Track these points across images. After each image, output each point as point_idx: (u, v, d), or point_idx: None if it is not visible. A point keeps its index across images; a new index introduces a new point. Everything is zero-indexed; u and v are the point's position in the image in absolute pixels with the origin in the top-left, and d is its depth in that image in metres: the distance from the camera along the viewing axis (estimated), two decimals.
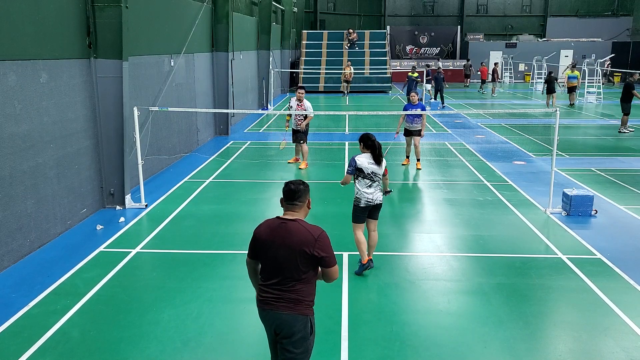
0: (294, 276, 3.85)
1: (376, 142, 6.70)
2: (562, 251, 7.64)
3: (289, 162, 13.13)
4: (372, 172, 6.63)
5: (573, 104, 25.20)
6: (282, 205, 4.07)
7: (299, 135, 12.55)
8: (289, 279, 3.86)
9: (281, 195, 4.05)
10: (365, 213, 6.79)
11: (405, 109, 12.47)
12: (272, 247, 3.89)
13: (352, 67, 30.21)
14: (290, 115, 12.76)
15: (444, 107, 24.23)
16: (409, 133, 12.69)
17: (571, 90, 25.28)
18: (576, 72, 25.61)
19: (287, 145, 13.27)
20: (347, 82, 30.21)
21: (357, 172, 6.68)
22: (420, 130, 12.54)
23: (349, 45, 34.86)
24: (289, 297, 3.86)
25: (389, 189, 7.28)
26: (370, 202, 6.66)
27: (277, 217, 3.99)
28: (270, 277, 3.92)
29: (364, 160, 6.64)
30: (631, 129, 18.00)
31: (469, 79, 36.58)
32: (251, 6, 23.29)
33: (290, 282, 3.86)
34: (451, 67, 39.40)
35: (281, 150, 13.60)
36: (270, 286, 3.91)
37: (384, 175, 6.81)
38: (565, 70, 26.48)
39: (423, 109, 12.52)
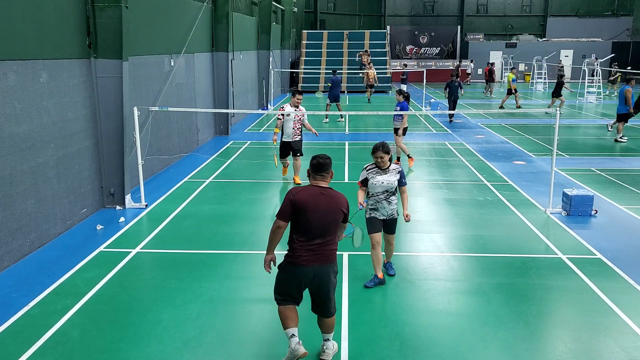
0: (335, 232, 4.77)
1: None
2: (562, 251, 7.64)
3: (284, 176, 11.77)
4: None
5: (502, 107, 22.92)
6: (308, 176, 4.85)
7: (296, 148, 10.98)
8: (331, 235, 4.73)
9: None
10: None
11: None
12: (318, 211, 4.63)
13: (373, 66, 25.71)
14: (278, 129, 10.98)
15: (451, 121, 20.35)
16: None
17: (509, 92, 23.72)
18: (511, 75, 23.84)
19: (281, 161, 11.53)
20: (371, 86, 26.21)
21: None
22: (398, 130, 12.61)
23: (360, 69, 31.73)
24: (330, 250, 4.74)
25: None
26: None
27: (313, 186, 4.76)
28: (314, 237, 4.65)
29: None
30: (610, 129, 17.79)
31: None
32: (251, 6, 23.29)
33: (330, 238, 4.73)
34: (451, 67, 39.39)
35: (277, 167, 11.94)
36: (313, 246, 4.65)
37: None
38: (508, 72, 25.47)
39: (403, 108, 12.34)
